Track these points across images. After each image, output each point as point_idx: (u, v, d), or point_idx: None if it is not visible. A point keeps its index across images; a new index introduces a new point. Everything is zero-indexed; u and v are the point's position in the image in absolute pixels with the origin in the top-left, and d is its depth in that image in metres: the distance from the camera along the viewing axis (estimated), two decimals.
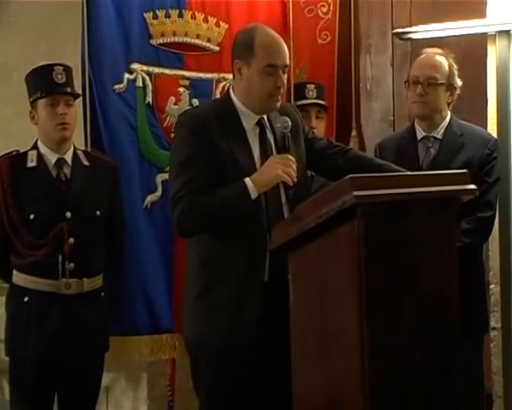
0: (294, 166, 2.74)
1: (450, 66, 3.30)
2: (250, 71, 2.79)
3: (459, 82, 3.32)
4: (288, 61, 2.84)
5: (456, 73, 3.31)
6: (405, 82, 3.36)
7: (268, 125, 2.88)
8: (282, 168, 2.71)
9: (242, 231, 2.73)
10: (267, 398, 2.79)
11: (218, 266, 2.77)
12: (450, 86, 3.30)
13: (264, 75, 2.77)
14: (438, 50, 3.34)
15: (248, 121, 2.84)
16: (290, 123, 2.80)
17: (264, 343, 2.72)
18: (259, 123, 2.85)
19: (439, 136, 3.30)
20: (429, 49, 3.36)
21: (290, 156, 2.76)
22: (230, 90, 2.90)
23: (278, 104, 2.84)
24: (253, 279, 2.74)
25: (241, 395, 2.76)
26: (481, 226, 3.24)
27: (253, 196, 2.70)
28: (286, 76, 2.83)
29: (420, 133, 3.33)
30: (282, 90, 2.82)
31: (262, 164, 2.78)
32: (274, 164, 2.74)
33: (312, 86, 3.84)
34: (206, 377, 2.80)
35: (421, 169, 3.23)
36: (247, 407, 2.78)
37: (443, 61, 3.30)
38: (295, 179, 2.74)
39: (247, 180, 2.71)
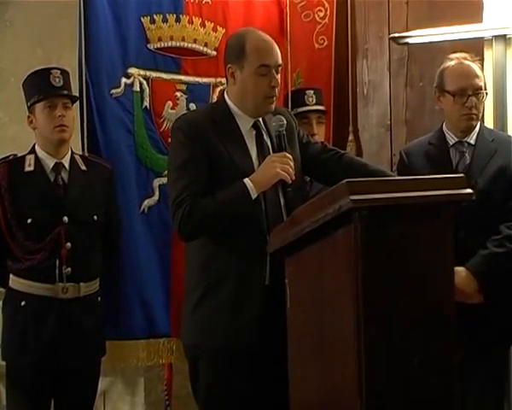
0: (292, 164, 2.75)
1: (481, 70, 3.24)
2: (243, 74, 2.80)
3: None
4: (280, 61, 2.84)
5: None
6: (453, 95, 3.16)
7: (264, 127, 2.88)
8: (281, 166, 2.72)
9: (242, 234, 2.73)
10: (267, 400, 2.78)
11: (219, 269, 2.76)
12: (486, 93, 3.25)
13: (258, 76, 2.78)
14: (467, 56, 3.24)
15: (244, 124, 2.85)
16: (285, 121, 2.81)
17: (265, 345, 2.71)
18: (255, 125, 2.86)
19: (472, 141, 3.23)
20: (460, 55, 3.24)
21: (287, 154, 2.77)
22: (225, 94, 2.90)
23: (273, 106, 2.84)
24: (254, 281, 2.74)
25: (240, 397, 2.76)
26: None
27: (253, 195, 2.71)
28: (279, 76, 2.83)
29: (452, 139, 3.25)
30: (276, 90, 2.82)
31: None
32: (272, 162, 2.74)
33: (311, 92, 3.83)
34: (206, 379, 2.79)
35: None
36: (247, 408, 2.78)
37: (478, 67, 3.22)
38: (293, 177, 2.75)
39: (247, 180, 2.71)
